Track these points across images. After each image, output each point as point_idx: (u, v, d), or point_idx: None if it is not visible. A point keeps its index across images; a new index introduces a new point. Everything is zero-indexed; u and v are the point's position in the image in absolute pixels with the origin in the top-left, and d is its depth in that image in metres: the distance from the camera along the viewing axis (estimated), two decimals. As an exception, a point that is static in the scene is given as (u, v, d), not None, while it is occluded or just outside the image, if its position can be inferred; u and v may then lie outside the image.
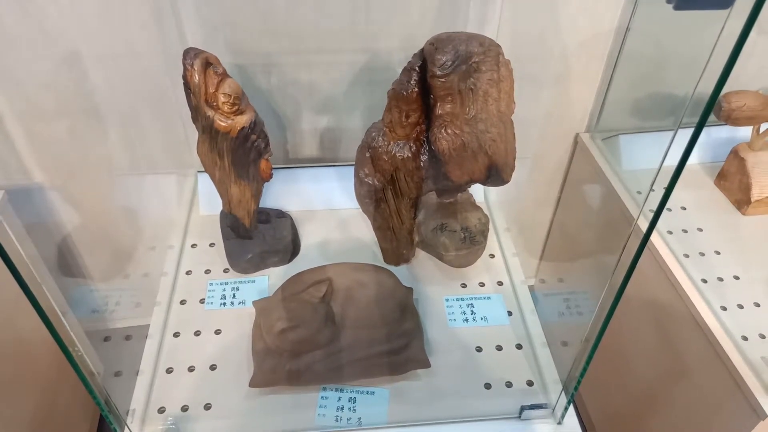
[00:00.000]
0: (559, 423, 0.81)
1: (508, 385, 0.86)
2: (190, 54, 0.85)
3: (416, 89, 0.82)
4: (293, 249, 1.04)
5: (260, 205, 1.05)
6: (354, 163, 0.95)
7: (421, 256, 1.06)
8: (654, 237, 1.09)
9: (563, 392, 0.81)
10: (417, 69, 0.81)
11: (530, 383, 0.86)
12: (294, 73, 1.11)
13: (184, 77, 0.85)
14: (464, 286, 1.01)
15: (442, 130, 0.83)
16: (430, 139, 0.85)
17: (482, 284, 1.01)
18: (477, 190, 1.14)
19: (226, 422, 0.80)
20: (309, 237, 1.09)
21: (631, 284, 0.71)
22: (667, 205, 0.70)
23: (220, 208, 1.03)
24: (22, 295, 0.83)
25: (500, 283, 1.01)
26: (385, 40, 1.08)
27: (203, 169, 0.94)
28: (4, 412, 0.96)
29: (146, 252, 1.10)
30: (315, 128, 1.19)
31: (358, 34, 1.08)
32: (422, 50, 0.81)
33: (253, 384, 0.81)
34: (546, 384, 0.86)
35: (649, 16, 1.12)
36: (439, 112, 0.81)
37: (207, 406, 0.82)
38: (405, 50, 0.83)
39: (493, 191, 1.19)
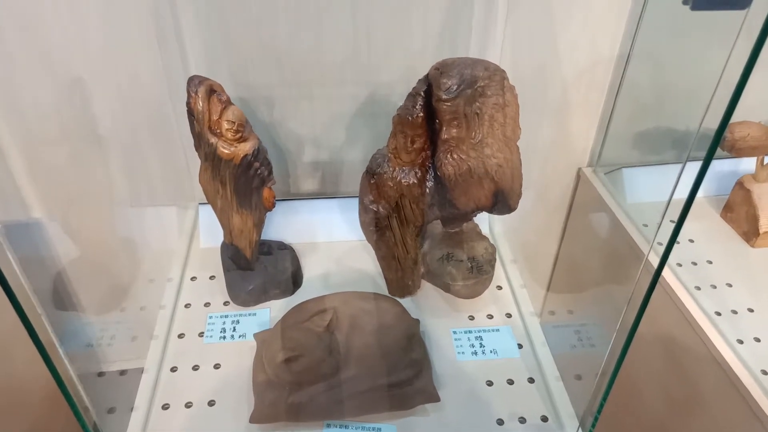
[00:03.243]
0: (577, 461, 0.77)
1: (522, 420, 0.82)
2: (194, 81, 0.85)
3: (421, 114, 0.81)
4: (295, 281, 1.02)
5: (262, 237, 1.03)
6: (357, 194, 0.94)
7: (427, 287, 1.03)
8: (664, 269, 1.08)
9: (580, 429, 0.78)
10: (422, 94, 0.80)
11: (545, 419, 0.82)
12: (295, 105, 1.11)
13: (188, 104, 0.85)
14: (472, 318, 0.98)
15: (448, 156, 0.82)
16: (436, 165, 0.84)
17: (490, 316, 0.98)
18: (482, 222, 1.12)
19: (224, 461, 0.76)
20: (311, 269, 1.06)
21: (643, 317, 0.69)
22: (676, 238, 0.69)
23: (221, 240, 1.01)
24: (16, 327, 0.80)
25: (509, 315, 0.98)
26: (387, 72, 1.08)
27: (205, 201, 0.93)
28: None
29: (144, 285, 1.07)
30: (316, 161, 1.18)
31: (360, 66, 1.09)
32: (427, 75, 0.81)
33: (253, 420, 0.77)
34: (561, 420, 0.82)
35: (650, 46, 1.14)
36: (445, 136, 0.80)
37: (204, 444, 0.78)
38: (406, 82, 0.84)
39: (498, 223, 1.18)
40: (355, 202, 0.97)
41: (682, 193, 0.64)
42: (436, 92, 0.78)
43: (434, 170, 0.85)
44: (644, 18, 1.10)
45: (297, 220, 1.14)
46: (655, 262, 0.69)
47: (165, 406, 0.83)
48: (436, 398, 0.79)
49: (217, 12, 0.96)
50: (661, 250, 0.67)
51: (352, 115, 1.15)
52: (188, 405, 0.83)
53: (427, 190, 0.87)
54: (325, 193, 1.22)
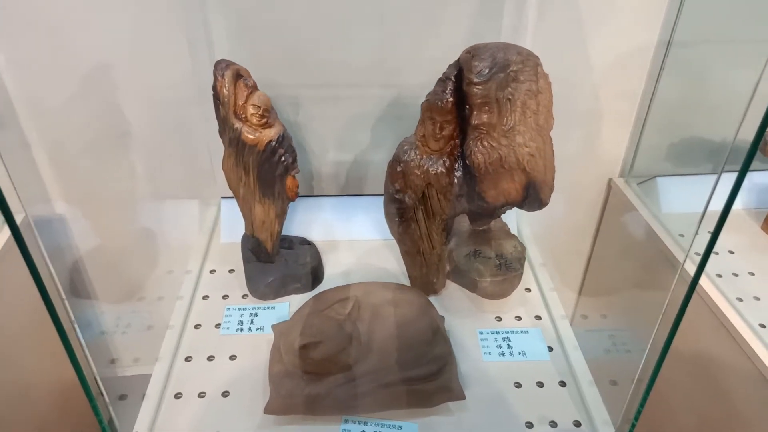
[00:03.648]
0: (613, 469, 0.71)
1: (553, 424, 0.76)
2: (221, 65, 0.84)
3: (451, 99, 0.78)
4: (316, 276, 0.99)
5: (284, 233, 1.01)
6: (381, 193, 0.91)
7: (452, 288, 0.99)
8: (703, 280, 1.02)
9: (615, 432, 0.72)
10: (452, 79, 0.78)
11: (577, 423, 0.77)
12: (320, 105, 1.10)
13: (214, 87, 0.84)
14: (499, 319, 0.93)
15: (478, 143, 0.79)
16: (465, 153, 0.81)
17: (519, 318, 0.93)
18: (510, 224, 1.08)
19: (236, 453, 0.72)
20: (333, 266, 1.03)
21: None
22: (715, 249, 0.66)
23: (242, 235, 0.99)
24: (22, 335, 0.79)
25: (538, 318, 0.94)
26: (413, 75, 1.07)
27: (227, 195, 0.91)
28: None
29: (163, 276, 1.05)
30: (340, 161, 1.16)
31: (386, 69, 1.07)
32: (458, 60, 0.79)
33: (268, 410, 0.73)
34: (596, 425, 0.76)
35: (684, 54, 1.11)
36: (475, 122, 0.78)
37: (216, 435, 0.74)
38: (431, 85, 0.82)
39: (527, 226, 1.14)
40: (380, 201, 0.94)
41: (719, 204, 0.61)
42: (467, 75, 0.75)
43: (463, 160, 0.82)
44: (678, 26, 1.08)
45: (320, 218, 1.11)
46: (692, 270, 0.67)
47: (177, 395, 0.80)
48: (460, 396, 0.75)
49: (244, 13, 0.96)
50: (698, 259, 0.64)
51: (377, 117, 1.13)
52: (201, 395, 0.80)
53: (455, 181, 0.84)
54: (349, 192, 1.20)
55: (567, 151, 1.19)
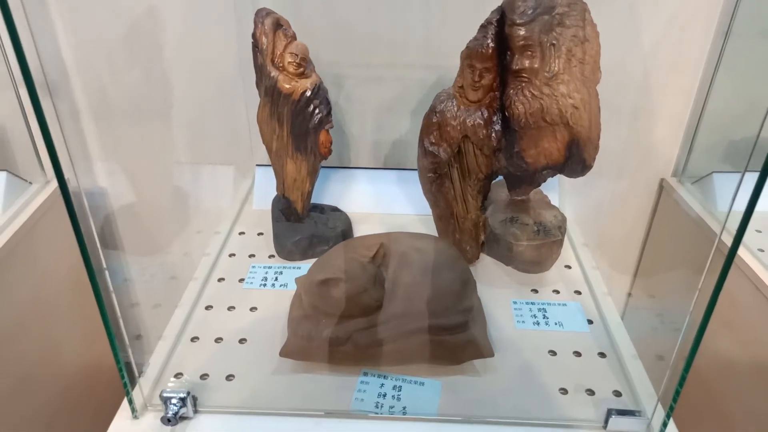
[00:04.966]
0: (657, 440, 0.64)
1: (590, 392, 0.70)
2: (261, 12, 0.84)
3: (492, 45, 0.76)
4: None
5: (316, 201, 0.99)
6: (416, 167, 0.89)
7: (486, 261, 0.94)
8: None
9: (659, 404, 0.65)
10: (494, 24, 0.75)
11: (618, 393, 0.70)
12: (363, 85, 1.09)
13: (254, 35, 0.84)
14: (535, 291, 0.87)
15: (519, 92, 0.76)
16: (504, 103, 0.77)
17: (557, 291, 0.87)
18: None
19: (247, 395, 0.68)
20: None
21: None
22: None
23: (273, 198, 0.98)
24: (24, 325, 0.80)
25: (578, 292, 0.87)
26: (457, 58, 1.06)
27: (262, 163, 0.89)
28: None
29: (192, 235, 1.04)
30: (379, 139, 1.14)
31: (430, 50, 1.06)
32: (501, 5, 0.76)
33: (284, 353, 0.69)
34: (638, 397, 0.69)
35: (741, 47, 1.05)
36: (516, 67, 0.74)
37: (229, 377, 0.71)
38: None
39: (569, 208, 1.08)
40: (415, 175, 0.91)
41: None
42: (510, 16, 0.73)
43: (502, 112, 0.79)
44: (737, 16, 1.03)
45: (353, 189, 1.09)
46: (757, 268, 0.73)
47: (194, 339, 0.77)
48: (489, 353, 0.69)
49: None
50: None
51: (419, 99, 1.11)
52: (218, 340, 0.77)
53: (493, 135, 0.80)
54: (385, 165, 1.17)
55: (618, 144, 1.15)
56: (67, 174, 0.51)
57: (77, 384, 1.10)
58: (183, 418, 0.65)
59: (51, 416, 1.01)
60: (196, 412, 0.66)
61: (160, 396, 0.64)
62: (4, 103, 1.07)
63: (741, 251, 0.96)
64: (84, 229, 0.57)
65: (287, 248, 0.92)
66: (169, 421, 0.63)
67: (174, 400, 0.64)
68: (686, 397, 0.65)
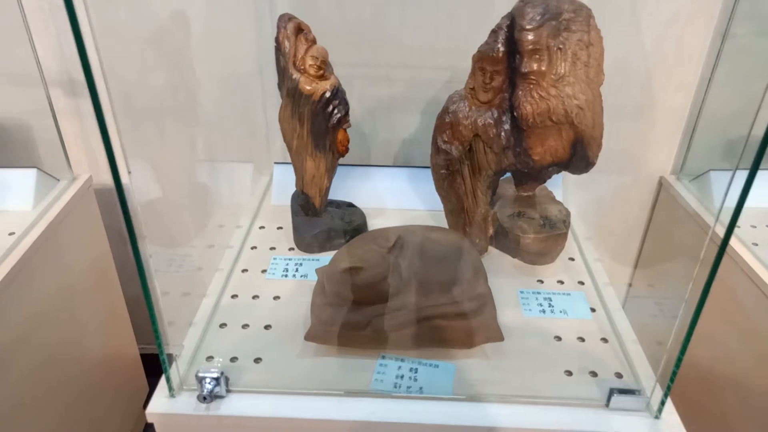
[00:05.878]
0: (657, 417, 0.69)
1: (593, 374, 0.75)
2: (284, 17, 0.89)
3: (502, 49, 0.80)
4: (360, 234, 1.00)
5: (332, 198, 1.04)
6: (428, 165, 0.93)
7: (494, 254, 0.99)
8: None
9: (657, 383, 0.70)
10: (504, 29, 0.80)
11: (619, 375, 0.75)
12: (374, 85, 1.13)
13: (277, 39, 0.89)
14: (541, 282, 0.92)
15: (527, 94, 0.80)
16: (513, 104, 0.82)
17: (561, 282, 0.92)
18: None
19: (274, 375, 0.74)
20: (377, 230, 1.05)
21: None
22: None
23: (292, 193, 1.03)
24: (50, 313, 0.86)
25: (581, 283, 0.92)
26: (467, 59, 1.10)
27: (280, 161, 0.94)
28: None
29: (214, 229, 1.09)
30: (390, 139, 1.19)
31: (440, 51, 1.11)
32: (511, 12, 0.81)
33: (309, 337, 0.74)
34: (639, 378, 0.74)
35: (741, 44, 1.09)
36: (525, 69, 0.79)
37: (257, 360, 0.76)
38: None
39: (573, 205, 1.13)
40: (425, 172, 0.96)
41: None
42: (519, 22, 0.78)
43: (511, 112, 0.84)
44: (735, 14, 1.07)
45: (368, 186, 1.14)
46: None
47: (222, 325, 0.82)
48: (500, 336, 0.74)
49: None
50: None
51: (429, 99, 1.16)
52: (245, 326, 0.82)
53: (503, 133, 0.85)
54: (398, 163, 1.22)
55: (618, 142, 1.20)
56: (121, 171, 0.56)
57: (98, 369, 1.16)
58: (216, 396, 0.70)
59: (75, 396, 1.07)
60: (228, 391, 0.71)
61: (196, 376, 0.69)
62: (28, 101, 1.12)
63: (737, 246, 1.01)
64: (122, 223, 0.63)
65: (307, 240, 0.97)
66: (204, 399, 0.69)
67: (208, 380, 0.69)
68: (685, 387, 0.70)
